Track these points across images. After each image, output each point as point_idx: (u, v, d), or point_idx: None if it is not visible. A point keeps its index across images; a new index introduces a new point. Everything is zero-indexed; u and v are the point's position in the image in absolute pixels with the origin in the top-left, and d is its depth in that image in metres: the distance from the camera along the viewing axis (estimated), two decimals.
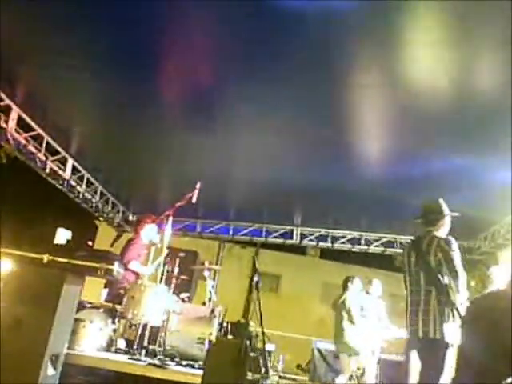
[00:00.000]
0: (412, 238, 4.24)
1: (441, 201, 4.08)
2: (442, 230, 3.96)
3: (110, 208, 9.46)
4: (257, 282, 3.55)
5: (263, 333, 4.10)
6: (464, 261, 3.90)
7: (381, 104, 5.45)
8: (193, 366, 4.79)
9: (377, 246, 9.20)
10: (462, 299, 3.62)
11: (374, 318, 6.36)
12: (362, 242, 9.29)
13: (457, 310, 3.57)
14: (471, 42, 4.30)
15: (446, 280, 3.69)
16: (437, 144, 5.94)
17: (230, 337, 5.05)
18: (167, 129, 6.34)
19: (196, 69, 5.10)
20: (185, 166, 7.29)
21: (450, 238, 3.85)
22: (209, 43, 4.74)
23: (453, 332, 3.57)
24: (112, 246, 9.10)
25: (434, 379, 3.53)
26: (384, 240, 9.21)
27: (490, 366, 2.96)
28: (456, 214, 4.07)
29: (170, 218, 5.43)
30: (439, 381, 3.49)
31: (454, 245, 3.78)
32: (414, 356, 3.71)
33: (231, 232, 9.88)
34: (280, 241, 9.75)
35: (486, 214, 7.33)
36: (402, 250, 8.93)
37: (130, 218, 10.11)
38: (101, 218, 10.00)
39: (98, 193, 8.84)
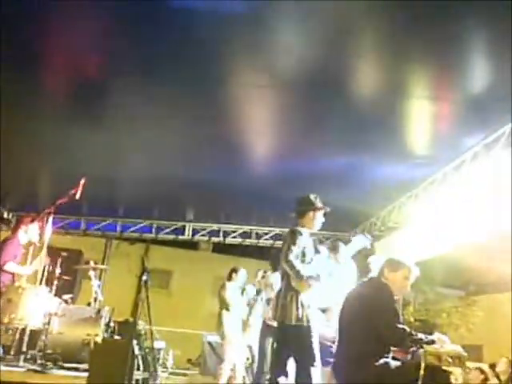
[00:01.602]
0: None
1: (312, 195, 4.21)
2: (311, 223, 4.09)
3: None
4: (145, 281, 3.48)
5: (151, 331, 4.04)
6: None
7: (268, 103, 5.59)
8: (77, 369, 4.59)
9: (266, 240, 9.46)
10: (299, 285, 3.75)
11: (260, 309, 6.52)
12: (253, 235, 9.52)
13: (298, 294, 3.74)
14: (357, 44, 4.53)
15: (288, 267, 3.78)
16: (322, 143, 6.25)
17: (117, 337, 4.90)
18: (48, 121, 5.95)
19: (81, 62, 4.86)
20: (68, 161, 6.91)
21: (295, 228, 3.98)
22: (95, 36, 4.54)
23: (302, 316, 3.71)
24: None
25: (301, 365, 3.69)
26: (273, 233, 9.51)
27: (360, 346, 3.21)
28: (327, 209, 4.21)
29: (51, 216, 5.13)
30: (306, 365, 3.65)
31: (293, 235, 3.91)
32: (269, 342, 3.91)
33: (119, 229, 9.58)
34: (171, 237, 9.67)
35: (364, 208, 7.87)
36: None
37: (6, 215, 9.36)
38: None
39: None
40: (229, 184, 7.38)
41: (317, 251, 4.14)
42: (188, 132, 6.06)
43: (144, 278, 3.44)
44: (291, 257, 3.75)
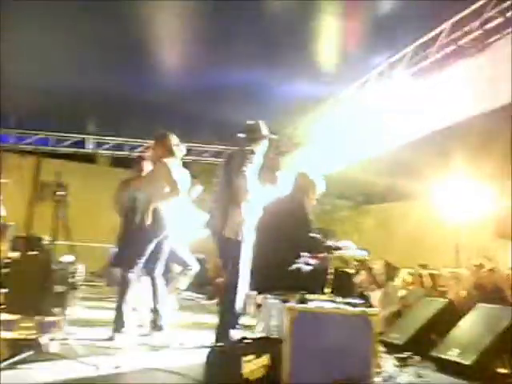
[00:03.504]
0: None
1: (262, 123, 4.24)
2: (259, 149, 4.15)
3: None
4: (53, 194, 3.37)
5: (56, 245, 3.97)
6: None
7: (174, 10, 5.33)
8: None
9: None
10: (248, 198, 3.80)
11: None
12: None
13: (241, 209, 3.80)
14: None
15: (236, 184, 3.80)
16: (230, 56, 6.15)
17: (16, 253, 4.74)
18: None
19: None
20: None
21: (253, 149, 4.05)
22: None
23: (241, 229, 3.78)
24: None
25: (229, 272, 3.90)
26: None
27: (276, 253, 3.47)
28: (274, 137, 4.39)
29: None
30: (234, 271, 3.85)
31: (252, 156, 3.98)
32: None
33: (13, 141, 8.94)
34: (71, 150, 9.24)
35: (270, 124, 7.99)
36: (196, 157, 9.41)
37: None
38: None
39: None
40: (135, 96, 7.12)
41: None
42: (94, 38, 5.66)
43: (60, 193, 3.32)
44: (247, 172, 3.79)
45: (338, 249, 3.52)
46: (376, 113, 6.68)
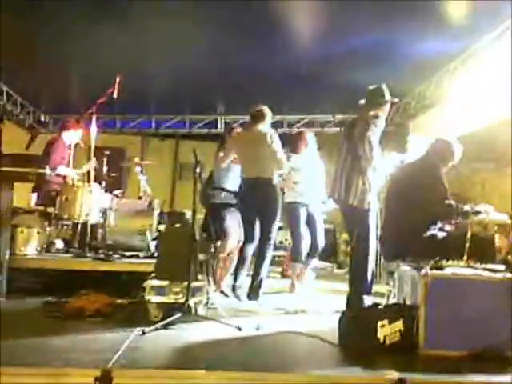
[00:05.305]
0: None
1: (384, 86, 4.13)
2: (383, 113, 4.02)
3: (18, 110, 8.85)
4: (199, 173, 3.62)
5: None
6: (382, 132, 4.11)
7: None
8: (137, 256, 4.98)
9: (298, 128, 9.46)
10: (373, 165, 3.74)
11: None
12: (285, 124, 9.51)
13: (366, 176, 3.71)
14: None
15: (360, 150, 3.74)
16: (354, 20, 5.97)
17: (169, 225, 5.23)
18: (74, 22, 5.81)
19: None
20: (96, 60, 6.84)
21: (378, 114, 3.94)
22: None
23: (366, 198, 3.71)
24: (27, 148, 8.76)
25: (358, 240, 3.87)
26: (304, 121, 9.51)
27: (410, 221, 3.40)
28: (396, 100, 4.24)
29: (94, 117, 5.26)
30: (364, 239, 3.81)
31: (376, 120, 3.88)
32: None
33: (153, 125, 9.72)
34: (205, 131, 9.78)
35: (398, 87, 7.64)
36: (320, 129, 9.38)
37: (42, 118, 9.60)
38: (6, 121, 9.33)
39: (4, 94, 8.18)
40: (261, 72, 7.24)
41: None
42: (219, 20, 5.86)
43: (197, 170, 3.58)
44: (372, 137, 3.74)
45: (477, 213, 3.35)
46: None
